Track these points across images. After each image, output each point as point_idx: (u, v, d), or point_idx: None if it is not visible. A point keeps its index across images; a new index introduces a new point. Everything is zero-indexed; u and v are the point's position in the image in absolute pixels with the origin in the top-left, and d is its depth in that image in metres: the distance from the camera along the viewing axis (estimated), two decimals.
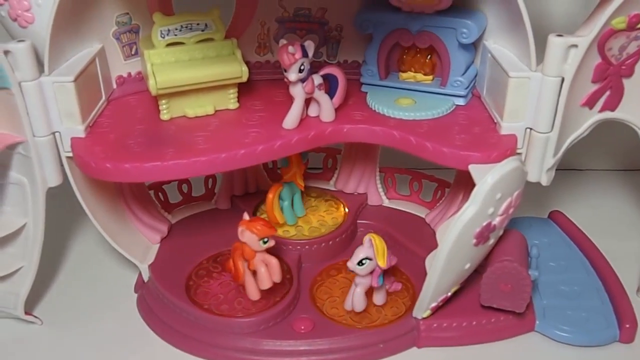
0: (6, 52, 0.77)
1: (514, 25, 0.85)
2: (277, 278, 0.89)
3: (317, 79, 0.86)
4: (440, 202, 1.07)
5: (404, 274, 0.98)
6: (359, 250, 0.85)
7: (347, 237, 1.04)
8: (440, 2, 0.88)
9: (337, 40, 1.01)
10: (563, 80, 0.80)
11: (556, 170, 0.88)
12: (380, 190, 1.11)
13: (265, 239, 0.87)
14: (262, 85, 1.00)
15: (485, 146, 0.83)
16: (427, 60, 0.95)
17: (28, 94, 0.80)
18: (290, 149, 0.87)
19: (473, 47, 0.94)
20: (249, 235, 0.86)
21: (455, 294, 0.91)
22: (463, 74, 0.92)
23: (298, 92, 0.85)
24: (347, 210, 1.08)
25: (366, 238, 0.85)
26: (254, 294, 0.91)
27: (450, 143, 0.84)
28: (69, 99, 0.82)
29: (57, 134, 0.84)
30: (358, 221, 1.08)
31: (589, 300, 0.95)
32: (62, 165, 0.87)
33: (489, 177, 0.77)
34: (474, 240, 0.81)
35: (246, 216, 0.88)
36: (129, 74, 0.97)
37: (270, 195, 0.99)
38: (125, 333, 0.93)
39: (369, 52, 0.95)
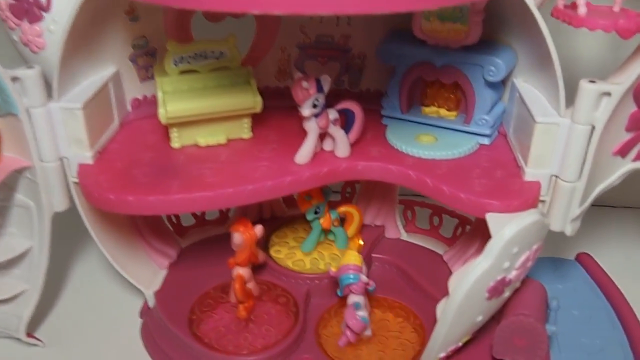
0: (14, 79, 0.76)
1: (543, 65, 0.80)
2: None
3: (332, 114, 0.83)
4: (460, 239, 1.02)
5: (418, 317, 0.93)
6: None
7: None
8: (468, 37, 0.83)
9: (360, 68, 0.97)
10: (593, 128, 0.75)
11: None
12: (399, 223, 1.07)
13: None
14: (278, 114, 0.97)
15: (506, 193, 0.78)
16: (451, 95, 0.90)
17: (36, 120, 0.79)
18: (301, 186, 0.83)
19: (501, 83, 0.89)
20: (234, 235, 0.89)
21: (467, 342, 0.87)
22: (489, 112, 0.87)
23: (311, 127, 0.82)
24: (362, 242, 1.04)
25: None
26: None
27: (468, 188, 0.79)
28: (77, 126, 0.80)
29: (64, 159, 0.83)
30: (373, 255, 1.04)
31: (611, 356, 0.89)
32: (69, 190, 0.86)
33: (506, 231, 0.72)
34: (487, 295, 0.76)
35: (257, 228, 0.90)
36: (145, 97, 0.95)
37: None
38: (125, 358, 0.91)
39: (391, 84, 0.90)
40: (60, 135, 0.81)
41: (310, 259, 1.00)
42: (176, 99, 0.83)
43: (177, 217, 1.07)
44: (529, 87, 0.84)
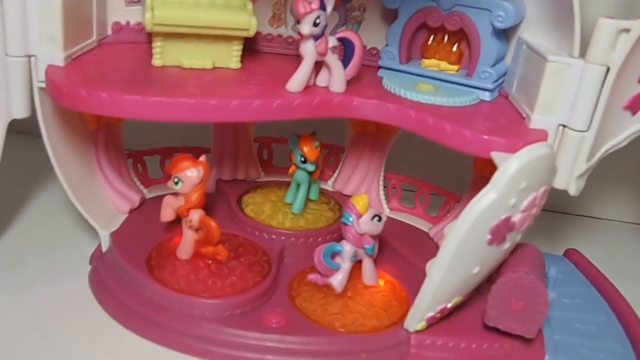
0: None
1: (556, 15, 0.77)
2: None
3: (332, 41, 0.77)
4: (448, 216, 0.96)
5: (403, 288, 0.85)
6: (376, 211, 0.79)
7: (338, 237, 0.91)
8: None
9: (359, 21, 0.93)
10: (608, 71, 0.71)
11: (573, 215, 0.77)
12: (382, 197, 1.00)
13: (175, 179, 0.79)
14: (269, 57, 0.91)
15: (512, 134, 0.73)
16: (453, 49, 0.86)
17: (8, 5, 0.71)
18: (291, 112, 0.76)
19: (506, 40, 0.85)
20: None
21: (456, 309, 0.79)
22: (493, 65, 0.83)
23: (309, 51, 0.76)
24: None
25: (365, 199, 0.79)
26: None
27: (472, 127, 0.74)
28: (53, 19, 0.73)
29: (32, 58, 0.75)
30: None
31: (608, 342, 0.82)
32: (32, 96, 0.77)
33: (514, 160, 0.67)
34: (489, 237, 0.69)
35: (202, 157, 0.80)
36: (128, 23, 0.88)
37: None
38: (69, 305, 0.80)
39: (392, 31, 0.86)
40: (32, 29, 0.73)
41: (290, 218, 0.92)
42: (165, 6, 0.77)
43: (143, 166, 0.98)
44: (537, 40, 0.81)
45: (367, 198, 0.79)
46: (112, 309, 0.79)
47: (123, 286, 0.80)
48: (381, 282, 0.85)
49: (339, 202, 0.99)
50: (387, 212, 1.00)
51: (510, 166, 0.66)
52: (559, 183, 0.77)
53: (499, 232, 0.69)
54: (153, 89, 0.72)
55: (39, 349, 0.73)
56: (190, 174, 0.79)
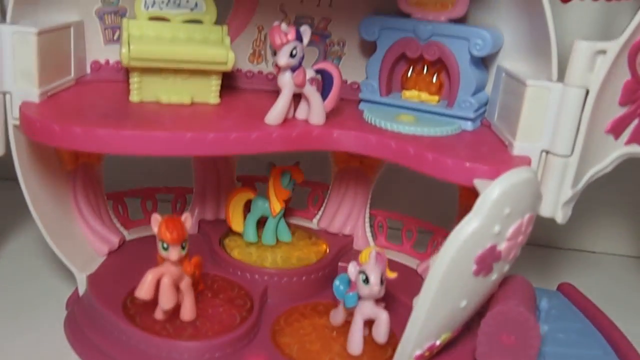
0: None
1: (533, 42, 0.77)
2: (165, 303, 0.73)
3: (309, 72, 0.77)
4: (436, 252, 0.93)
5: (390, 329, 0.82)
6: (369, 268, 0.72)
7: (324, 277, 0.89)
8: (454, 9, 0.80)
9: (339, 56, 0.93)
10: (587, 93, 0.70)
11: (566, 250, 0.75)
12: (369, 234, 0.98)
13: (165, 244, 0.71)
14: (249, 93, 0.91)
15: (495, 161, 0.72)
16: (433, 80, 0.86)
17: None
18: (269, 145, 0.75)
19: (486, 69, 0.85)
20: (154, 227, 0.72)
21: (445, 347, 0.75)
22: (473, 94, 0.82)
23: (286, 82, 0.76)
24: (328, 249, 0.94)
25: (370, 254, 0.73)
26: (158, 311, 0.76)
27: (454, 155, 0.72)
28: (28, 55, 0.73)
29: (7, 95, 0.74)
30: (340, 264, 0.93)
31: None
32: (7, 134, 0.76)
33: (496, 185, 0.65)
34: (475, 267, 0.67)
35: (183, 216, 0.74)
36: (107, 61, 0.88)
37: (237, 191, 0.89)
38: (44, 352, 0.77)
39: (372, 63, 0.86)
40: (7, 65, 0.73)
41: (271, 257, 0.90)
42: (142, 41, 0.77)
43: (124, 207, 0.96)
44: (515, 68, 0.80)
45: (373, 252, 0.74)
46: (89, 356, 0.76)
47: (99, 331, 0.77)
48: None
49: (323, 240, 0.96)
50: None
51: (493, 191, 0.64)
52: (545, 211, 0.75)
53: (485, 262, 0.67)
54: (128, 123, 0.71)
55: None
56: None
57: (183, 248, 0.72)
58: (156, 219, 0.72)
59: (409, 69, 0.87)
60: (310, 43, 0.90)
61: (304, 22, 0.91)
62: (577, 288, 0.98)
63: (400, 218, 0.99)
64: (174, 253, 0.71)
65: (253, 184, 1.01)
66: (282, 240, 0.94)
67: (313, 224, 1.01)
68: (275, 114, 0.76)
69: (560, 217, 0.76)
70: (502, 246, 0.68)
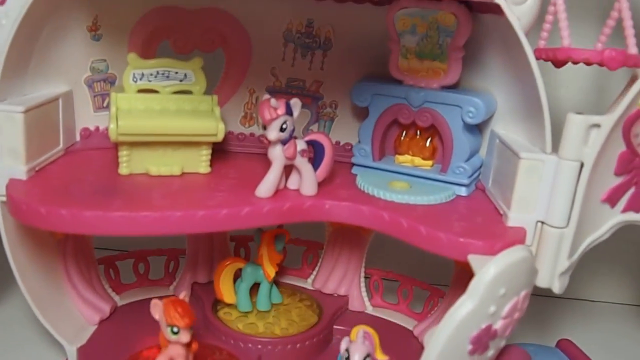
0: None
1: (527, 109, 0.76)
2: None
3: (300, 144, 0.76)
4: (432, 312, 0.92)
5: None
6: (353, 347, 0.69)
7: (319, 342, 0.87)
8: (447, 76, 0.80)
9: (331, 118, 0.92)
10: (582, 166, 0.69)
11: (565, 299, 0.74)
12: (364, 294, 0.97)
13: (175, 329, 0.68)
14: (241, 157, 0.90)
15: (489, 235, 0.70)
16: (427, 144, 0.85)
17: None
18: (260, 219, 0.74)
19: (479, 133, 0.84)
20: (159, 314, 0.70)
21: None
22: (467, 160, 0.81)
23: (277, 156, 0.75)
24: (323, 311, 0.92)
25: (358, 332, 0.70)
26: None
27: (447, 229, 0.71)
28: (15, 133, 0.72)
29: None
30: (335, 327, 0.92)
31: None
32: None
33: (491, 266, 0.63)
34: (470, 347, 0.65)
35: (182, 295, 0.72)
36: (97, 128, 0.87)
37: (225, 263, 0.85)
38: None
39: (364, 128, 0.85)
40: None
41: (264, 322, 0.88)
42: (130, 115, 0.76)
43: (115, 271, 0.95)
44: (509, 134, 0.80)
45: (361, 331, 0.71)
46: None
47: None
48: None
49: (318, 302, 0.95)
50: (369, 309, 0.97)
51: (487, 273, 0.63)
52: (542, 282, 0.74)
53: (481, 342, 0.66)
54: (116, 203, 0.70)
55: None
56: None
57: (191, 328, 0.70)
58: (157, 305, 0.70)
59: (401, 133, 0.86)
60: (303, 105, 0.90)
61: (295, 85, 0.91)
62: (576, 345, 0.96)
63: (396, 277, 0.98)
64: (185, 336, 0.69)
65: (246, 244, 1.00)
66: (275, 302, 0.92)
67: (308, 284, 1.00)
68: (266, 187, 0.75)
69: (557, 287, 0.74)
70: (498, 325, 0.67)
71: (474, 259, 0.68)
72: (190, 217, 0.70)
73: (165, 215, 0.69)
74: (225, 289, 0.86)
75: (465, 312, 0.63)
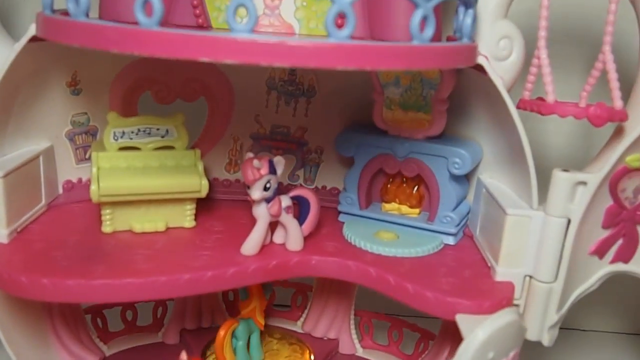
0: None
1: (512, 159, 0.76)
2: None
3: (285, 201, 0.75)
4: (423, 356, 0.92)
5: None
6: None
7: None
8: (431, 127, 0.79)
9: (317, 163, 0.91)
10: (569, 222, 0.69)
11: None
12: (355, 336, 0.96)
13: None
14: (227, 205, 0.89)
15: (477, 293, 0.70)
16: (413, 192, 0.84)
17: None
18: (246, 279, 0.73)
19: (466, 180, 0.84)
20: None
21: None
22: (454, 209, 0.81)
23: (262, 214, 0.74)
24: (313, 358, 0.92)
25: None
26: None
27: (435, 287, 0.71)
28: None
29: None
30: None
31: None
32: None
33: (479, 332, 0.63)
34: None
35: (184, 356, 0.72)
36: (80, 180, 0.86)
37: (221, 332, 0.84)
38: None
39: (350, 178, 0.84)
40: None
41: None
42: (112, 175, 0.75)
43: (103, 320, 0.94)
44: (495, 183, 0.79)
45: None
46: None
47: None
48: None
49: (307, 345, 0.94)
50: (360, 352, 0.96)
51: (476, 339, 0.63)
52: (531, 335, 0.73)
53: None
54: (99, 269, 0.69)
55: None
56: None
57: None
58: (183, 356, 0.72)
59: (388, 181, 0.85)
60: (288, 151, 0.90)
61: (279, 131, 0.90)
62: None
63: (386, 319, 0.97)
64: None
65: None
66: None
67: (297, 326, 0.99)
68: (251, 245, 0.74)
69: (547, 340, 0.74)
70: None
71: (461, 319, 0.67)
72: (175, 282, 0.69)
73: (150, 281, 0.68)
74: (228, 355, 0.85)
75: None
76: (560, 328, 0.73)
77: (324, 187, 0.92)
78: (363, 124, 0.85)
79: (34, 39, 0.66)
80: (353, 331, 0.97)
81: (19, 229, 0.75)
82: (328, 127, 0.88)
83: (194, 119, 0.86)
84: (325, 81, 0.87)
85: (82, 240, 0.76)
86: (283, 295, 1.02)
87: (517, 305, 0.72)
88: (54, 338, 0.85)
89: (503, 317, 0.64)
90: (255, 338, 0.89)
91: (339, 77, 0.86)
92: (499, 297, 0.69)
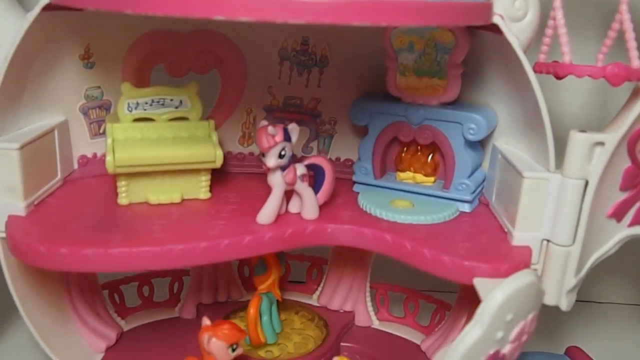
0: None
1: (528, 123, 0.75)
2: None
3: (300, 169, 0.75)
4: (439, 327, 0.91)
5: None
6: None
7: None
8: (446, 93, 0.78)
9: (330, 134, 0.91)
10: (587, 184, 0.68)
11: None
12: (370, 309, 0.96)
13: (234, 346, 0.74)
14: (241, 178, 0.89)
15: (494, 257, 0.70)
16: (428, 160, 0.84)
17: None
18: (262, 247, 0.73)
19: (481, 147, 0.83)
20: (216, 343, 0.73)
21: None
22: (469, 176, 0.80)
23: (277, 182, 0.74)
24: (329, 330, 0.92)
25: None
26: None
27: (452, 251, 0.70)
28: (12, 170, 0.71)
29: None
30: (342, 344, 0.91)
31: None
32: None
33: (498, 293, 0.63)
34: None
35: (206, 321, 0.73)
36: (95, 155, 0.86)
37: (251, 311, 0.83)
38: None
39: (364, 147, 0.84)
40: None
41: (277, 346, 0.88)
42: (127, 146, 0.75)
43: (120, 295, 0.94)
44: (511, 149, 0.79)
45: None
46: None
47: None
48: None
49: (324, 319, 0.94)
50: (376, 324, 0.96)
51: (494, 300, 0.62)
52: (550, 300, 0.73)
53: None
54: (116, 238, 0.69)
55: None
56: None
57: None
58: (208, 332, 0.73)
59: (402, 150, 0.85)
60: (301, 123, 0.90)
61: (292, 103, 0.89)
62: (585, 352, 0.96)
63: (401, 291, 0.97)
64: (240, 349, 0.75)
65: (249, 261, 0.99)
66: (277, 331, 0.90)
67: (313, 300, 0.99)
68: (266, 213, 0.74)
69: (565, 304, 0.74)
70: (506, 349, 0.66)
71: (479, 283, 0.67)
72: (191, 250, 0.69)
73: (167, 249, 0.68)
74: (261, 333, 0.85)
75: (472, 339, 0.63)
76: (576, 300, 0.73)
77: (337, 159, 0.92)
78: (377, 92, 0.85)
79: (47, 8, 0.66)
80: (369, 303, 0.97)
81: (35, 202, 0.76)
82: (341, 98, 0.88)
83: (207, 92, 0.86)
84: (338, 50, 0.87)
85: (98, 212, 0.76)
86: (298, 272, 1.02)
87: (534, 270, 0.72)
88: (73, 312, 0.86)
89: (522, 278, 0.64)
90: (274, 310, 0.89)
91: (352, 46, 0.85)
92: (516, 261, 0.69)
